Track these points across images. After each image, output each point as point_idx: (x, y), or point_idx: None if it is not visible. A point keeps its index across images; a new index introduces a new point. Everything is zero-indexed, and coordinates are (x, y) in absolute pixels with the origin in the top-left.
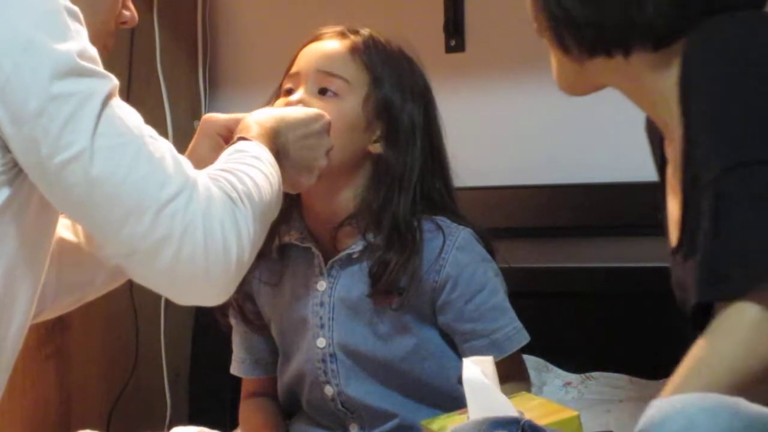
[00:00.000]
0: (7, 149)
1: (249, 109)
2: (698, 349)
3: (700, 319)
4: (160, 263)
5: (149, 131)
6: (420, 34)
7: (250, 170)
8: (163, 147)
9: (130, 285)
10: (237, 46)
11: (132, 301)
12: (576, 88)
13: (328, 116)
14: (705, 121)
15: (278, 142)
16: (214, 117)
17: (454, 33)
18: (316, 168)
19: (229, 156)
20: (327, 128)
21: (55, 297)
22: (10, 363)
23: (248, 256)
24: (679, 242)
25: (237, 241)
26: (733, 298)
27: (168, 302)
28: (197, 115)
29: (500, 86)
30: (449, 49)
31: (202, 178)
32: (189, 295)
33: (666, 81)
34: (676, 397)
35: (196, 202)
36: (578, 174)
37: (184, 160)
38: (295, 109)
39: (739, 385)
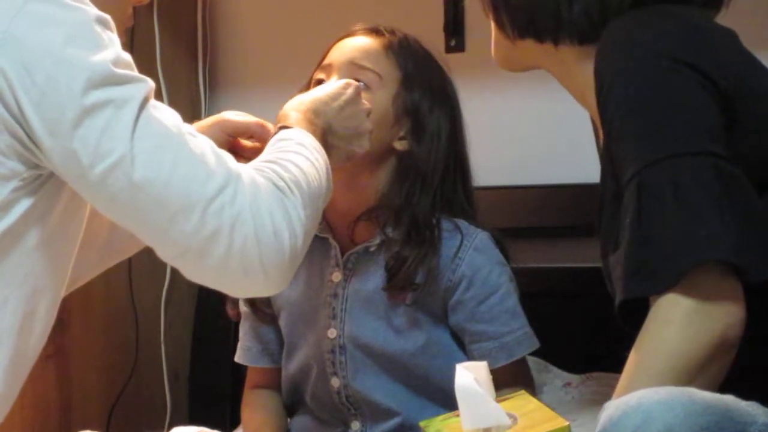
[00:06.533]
0: (32, 164)
1: (249, 109)
2: (639, 346)
3: (627, 312)
4: (213, 259)
5: (188, 129)
6: (420, 34)
7: (295, 157)
8: (203, 143)
9: (130, 285)
10: (237, 46)
11: (132, 301)
12: (509, 63)
13: (354, 81)
14: (623, 119)
15: (320, 121)
16: (233, 119)
17: (454, 33)
18: (365, 132)
19: (272, 146)
20: (359, 92)
21: None
22: (29, 367)
23: (302, 243)
24: (598, 236)
25: (289, 229)
26: (662, 292)
27: (168, 302)
28: (197, 115)
29: (500, 86)
30: (449, 49)
31: (247, 170)
32: (246, 288)
33: (591, 73)
34: (631, 395)
35: (242, 194)
36: (577, 174)
37: (225, 155)
38: (321, 86)
39: (684, 374)
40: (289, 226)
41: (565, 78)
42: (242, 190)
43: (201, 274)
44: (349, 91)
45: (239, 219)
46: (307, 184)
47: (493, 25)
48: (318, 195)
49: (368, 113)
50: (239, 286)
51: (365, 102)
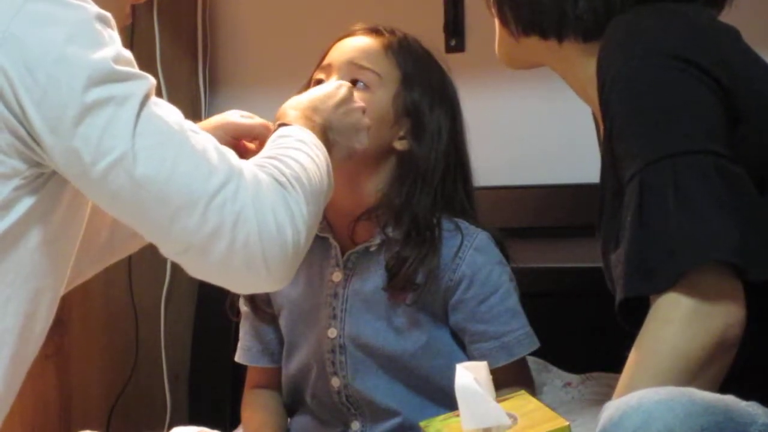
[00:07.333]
0: (34, 162)
1: (249, 108)
2: (639, 345)
3: (627, 311)
4: (216, 255)
5: (190, 125)
6: (420, 34)
7: (295, 153)
8: (205, 139)
9: (130, 285)
10: (237, 46)
11: (132, 301)
12: (512, 60)
13: (346, 82)
14: (624, 118)
15: (318, 118)
16: (237, 122)
17: (454, 33)
18: (363, 128)
19: (273, 143)
20: (351, 92)
21: None
22: (28, 366)
23: (305, 238)
24: (598, 233)
25: (291, 224)
26: (662, 291)
27: (168, 302)
28: (197, 115)
29: (500, 86)
30: (449, 49)
31: (248, 166)
32: (249, 284)
33: (594, 69)
34: (631, 395)
35: (244, 190)
36: (577, 174)
37: (228, 151)
38: (316, 88)
39: (684, 374)
40: (291, 221)
41: (568, 74)
42: (244, 186)
43: (204, 270)
44: (343, 90)
45: (242, 215)
46: (308, 180)
47: (497, 22)
48: (320, 191)
49: (363, 111)
50: (242, 282)
51: (358, 101)
